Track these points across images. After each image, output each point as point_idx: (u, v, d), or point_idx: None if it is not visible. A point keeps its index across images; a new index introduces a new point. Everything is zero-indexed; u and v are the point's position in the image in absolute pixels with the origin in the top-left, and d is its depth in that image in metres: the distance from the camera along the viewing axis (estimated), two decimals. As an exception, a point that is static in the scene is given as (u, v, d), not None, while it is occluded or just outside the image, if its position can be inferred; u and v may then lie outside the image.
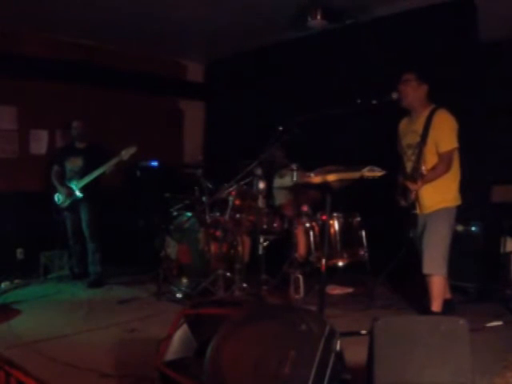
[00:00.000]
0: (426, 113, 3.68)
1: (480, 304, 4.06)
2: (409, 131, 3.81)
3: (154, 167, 6.30)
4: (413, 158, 3.72)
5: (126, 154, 5.04)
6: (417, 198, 3.69)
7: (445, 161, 3.59)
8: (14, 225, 5.49)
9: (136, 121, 6.56)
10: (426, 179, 3.56)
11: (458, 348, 2.13)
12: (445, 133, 3.59)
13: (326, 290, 3.94)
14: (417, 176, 3.53)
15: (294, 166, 4.56)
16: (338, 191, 3.19)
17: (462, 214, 3.84)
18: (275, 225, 4.64)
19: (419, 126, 3.69)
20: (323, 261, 3.21)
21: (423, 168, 3.50)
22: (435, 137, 3.59)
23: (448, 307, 3.70)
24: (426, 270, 3.63)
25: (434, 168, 3.60)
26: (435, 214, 3.65)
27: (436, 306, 3.63)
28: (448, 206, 3.67)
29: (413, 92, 3.69)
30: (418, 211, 3.74)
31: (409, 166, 3.77)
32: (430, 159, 3.61)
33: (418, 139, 3.67)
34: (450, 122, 3.62)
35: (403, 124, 3.95)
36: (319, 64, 5.77)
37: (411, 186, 3.57)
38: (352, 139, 5.30)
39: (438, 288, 3.63)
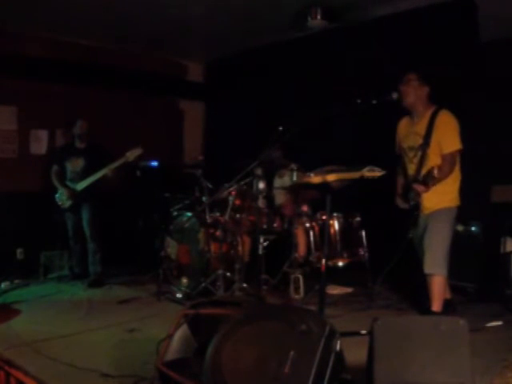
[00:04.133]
0: (428, 114, 3.68)
1: (480, 304, 4.06)
2: (410, 133, 3.80)
3: (154, 167, 6.29)
4: (415, 160, 3.71)
5: (131, 155, 5.03)
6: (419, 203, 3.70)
7: (448, 162, 3.58)
8: (14, 225, 5.48)
9: (136, 121, 6.56)
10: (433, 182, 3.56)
11: (458, 348, 2.14)
12: (448, 134, 3.59)
13: (325, 290, 3.94)
14: (428, 179, 3.48)
15: (293, 166, 4.58)
16: (337, 191, 3.19)
17: (462, 214, 3.84)
18: (275, 225, 4.65)
19: (421, 127, 3.68)
20: (323, 261, 3.21)
21: (435, 171, 3.46)
22: (438, 138, 3.59)
23: (448, 307, 3.70)
24: (427, 269, 3.64)
25: (439, 170, 3.59)
26: (436, 213, 3.65)
27: (436, 306, 3.63)
28: (449, 206, 3.67)
29: (414, 92, 3.68)
30: (419, 210, 3.73)
31: (411, 168, 3.77)
32: (433, 160, 3.61)
33: (420, 141, 3.67)
34: (452, 123, 3.62)
35: (403, 125, 3.94)
36: (319, 64, 5.77)
37: (420, 189, 3.52)
38: (352, 139, 5.30)
39: (439, 288, 3.63)
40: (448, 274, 3.67)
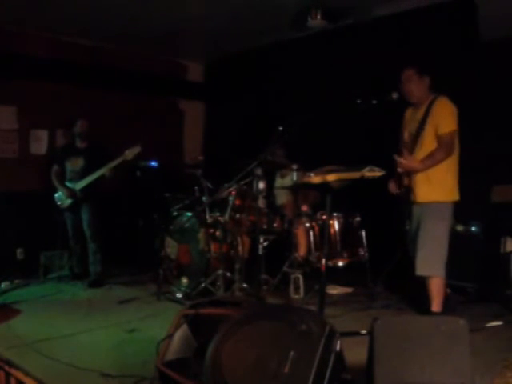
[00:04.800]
0: (427, 102, 3.69)
1: (480, 304, 4.05)
2: (412, 120, 3.81)
3: (153, 167, 6.29)
4: (413, 145, 3.73)
5: (129, 153, 5.01)
6: (410, 188, 3.69)
7: (444, 144, 3.55)
8: (14, 225, 5.48)
9: (136, 121, 6.56)
10: (425, 164, 3.55)
11: (458, 348, 2.14)
12: (444, 116, 3.57)
13: (326, 290, 3.94)
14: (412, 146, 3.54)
15: (294, 166, 4.58)
16: (337, 191, 3.19)
17: (462, 214, 3.84)
18: (275, 225, 4.64)
19: (420, 114, 3.69)
20: (323, 261, 3.21)
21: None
22: (435, 121, 3.57)
23: (447, 302, 3.68)
24: (418, 271, 3.60)
25: (433, 152, 3.57)
26: (429, 209, 3.60)
27: (436, 305, 3.62)
28: (442, 201, 3.61)
29: (417, 87, 3.67)
30: (411, 198, 3.72)
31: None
32: (430, 143, 3.59)
33: (418, 126, 3.68)
34: (449, 107, 3.61)
35: (408, 113, 3.94)
36: (319, 64, 5.77)
37: (403, 160, 3.57)
38: (352, 139, 5.30)
39: (437, 288, 3.62)
40: (446, 273, 3.64)
